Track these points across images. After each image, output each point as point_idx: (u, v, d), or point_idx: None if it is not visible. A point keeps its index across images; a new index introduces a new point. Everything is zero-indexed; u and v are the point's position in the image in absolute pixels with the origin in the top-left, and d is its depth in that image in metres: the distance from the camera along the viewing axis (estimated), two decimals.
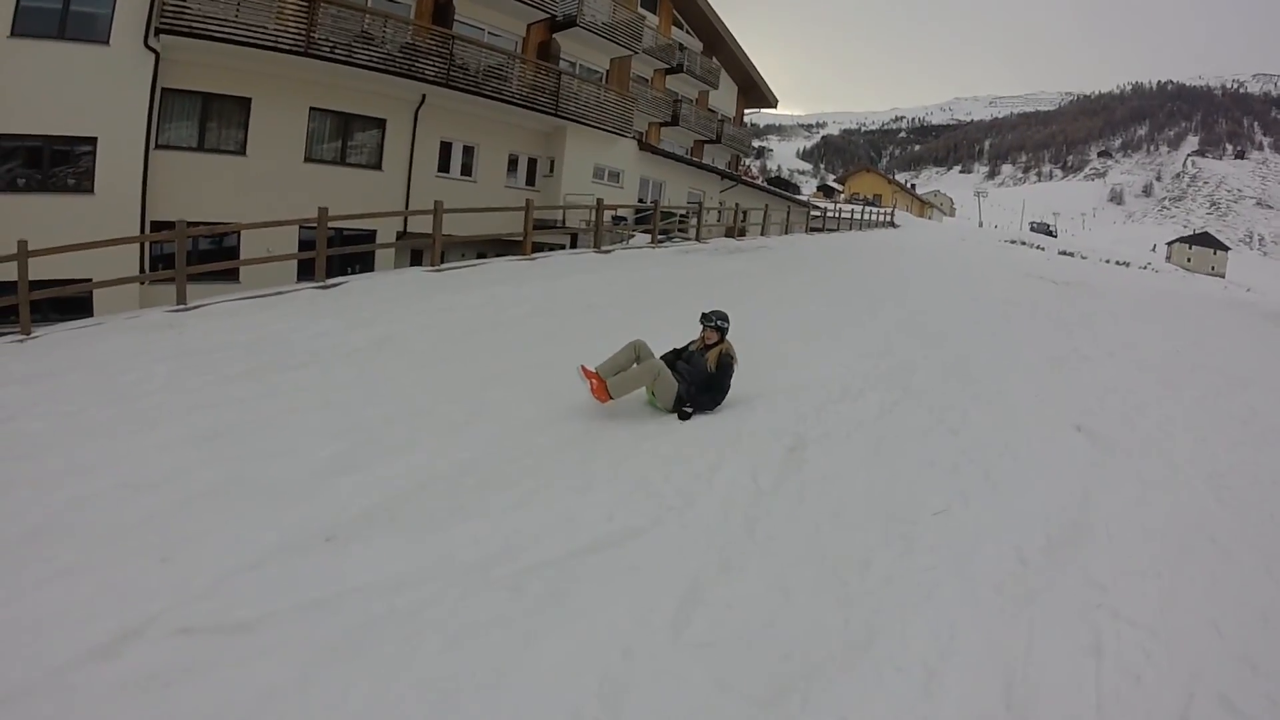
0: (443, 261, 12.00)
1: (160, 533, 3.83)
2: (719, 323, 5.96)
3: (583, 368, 5.70)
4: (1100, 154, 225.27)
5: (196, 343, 7.52)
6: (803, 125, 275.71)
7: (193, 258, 14.18)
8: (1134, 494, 4.73)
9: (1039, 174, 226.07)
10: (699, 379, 5.81)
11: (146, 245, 13.15)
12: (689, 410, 5.72)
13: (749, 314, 9.40)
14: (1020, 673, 2.92)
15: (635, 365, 5.83)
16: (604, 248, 14.54)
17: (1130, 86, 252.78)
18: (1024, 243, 48.07)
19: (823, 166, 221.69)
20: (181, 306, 9.11)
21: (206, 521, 3.92)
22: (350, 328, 7.82)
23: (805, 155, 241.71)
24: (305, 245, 14.39)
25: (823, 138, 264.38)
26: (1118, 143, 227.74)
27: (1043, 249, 44.59)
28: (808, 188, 70.63)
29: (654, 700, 2.68)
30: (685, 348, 6.12)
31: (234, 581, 3.38)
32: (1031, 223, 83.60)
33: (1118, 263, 46.13)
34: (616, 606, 3.21)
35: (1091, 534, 4.08)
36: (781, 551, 3.73)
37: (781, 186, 45.91)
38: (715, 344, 5.92)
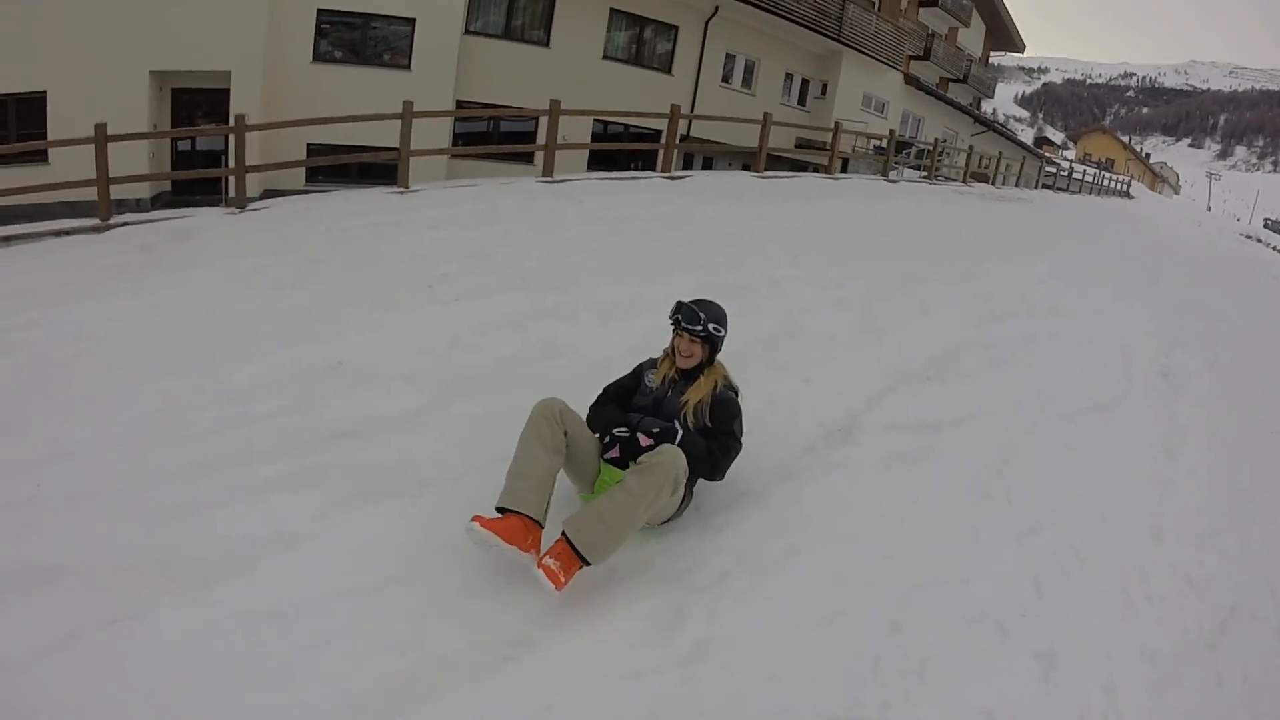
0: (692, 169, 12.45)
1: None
2: (711, 327, 2.90)
3: (478, 520, 2.40)
4: None
5: (604, 213, 7.93)
6: (1022, 68, 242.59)
7: (492, 138, 15.44)
8: None
9: (1275, 162, 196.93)
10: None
11: (451, 123, 14.26)
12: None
13: (1065, 263, 9.86)
14: None
15: (553, 464, 2.67)
16: (890, 178, 14.58)
17: None
18: (1259, 240, 43.00)
19: (1040, 116, 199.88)
20: (549, 179, 9.98)
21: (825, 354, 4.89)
22: (745, 217, 8.45)
23: (1023, 101, 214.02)
24: (595, 138, 15.41)
25: (1044, 85, 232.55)
26: None
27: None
28: (1023, 137, 64.96)
29: (1185, 494, 4.01)
30: (637, 374, 3.10)
31: (888, 399, 4.31)
32: (1266, 219, 74.22)
33: None
34: (1132, 441, 4.54)
35: None
36: (1217, 426, 5.06)
37: None
38: (703, 365, 2.94)
